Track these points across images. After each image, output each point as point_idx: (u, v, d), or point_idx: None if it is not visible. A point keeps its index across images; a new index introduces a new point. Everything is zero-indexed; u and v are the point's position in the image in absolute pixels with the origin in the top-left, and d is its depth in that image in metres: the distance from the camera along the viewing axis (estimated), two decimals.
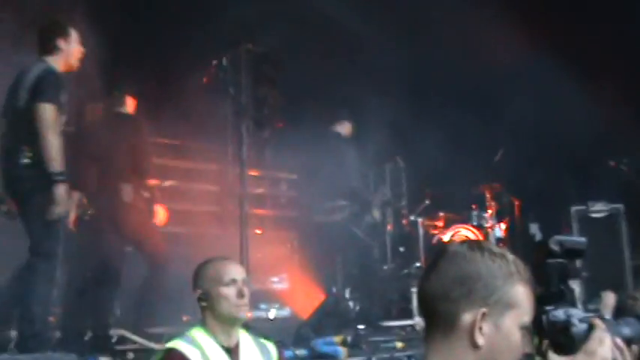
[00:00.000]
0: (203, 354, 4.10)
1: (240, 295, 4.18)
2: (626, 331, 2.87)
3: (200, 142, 12.32)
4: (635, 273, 11.76)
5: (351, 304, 11.41)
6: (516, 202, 13.33)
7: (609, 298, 8.51)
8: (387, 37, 12.26)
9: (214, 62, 7.51)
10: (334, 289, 9.13)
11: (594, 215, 12.55)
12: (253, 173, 13.53)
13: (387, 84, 11.95)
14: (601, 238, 12.17)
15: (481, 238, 12.20)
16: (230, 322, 4.21)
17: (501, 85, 11.94)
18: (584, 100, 11.39)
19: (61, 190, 5.97)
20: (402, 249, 12.41)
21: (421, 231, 12.32)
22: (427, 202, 12.88)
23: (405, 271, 11.97)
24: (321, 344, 6.63)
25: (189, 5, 12.00)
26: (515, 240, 13.22)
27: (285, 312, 11.16)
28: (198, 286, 4.25)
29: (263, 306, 11.55)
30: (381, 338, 8.13)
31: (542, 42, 11.80)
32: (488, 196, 12.90)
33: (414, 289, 10.74)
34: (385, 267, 12.48)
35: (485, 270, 2.33)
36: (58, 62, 6.43)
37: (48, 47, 6.46)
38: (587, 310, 8.81)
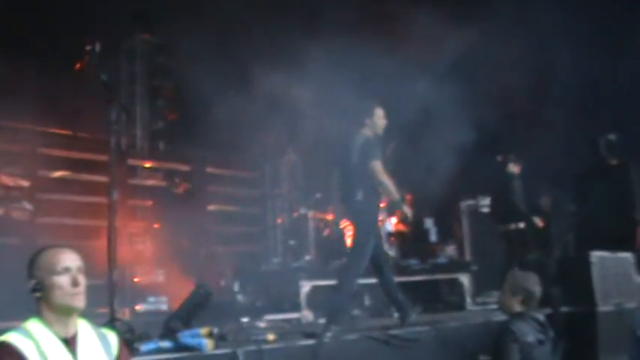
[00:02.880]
0: (38, 346, 3.95)
1: (75, 283, 4.05)
2: None
3: (90, 132, 12.15)
4: (521, 265, 11.92)
5: (239, 297, 11.42)
6: (408, 197, 13.34)
7: None
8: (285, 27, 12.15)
9: (87, 47, 7.25)
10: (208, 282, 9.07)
11: (484, 210, 12.73)
12: (147, 165, 13.46)
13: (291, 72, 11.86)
14: (491, 232, 12.35)
15: None
16: (65, 311, 4.06)
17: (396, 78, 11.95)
18: (473, 98, 11.52)
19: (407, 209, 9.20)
20: (292, 242, 12.38)
21: (311, 224, 12.31)
22: (318, 195, 12.85)
23: (295, 264, 11.93)
24: (186, 336, 6.53)
25: None
26: (408, 234, 13.27)
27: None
28: (31, 276, 4.11)
29: (151, 299, 11.47)
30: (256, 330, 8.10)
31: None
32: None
33: (303, 282, 10.73)
34: (275, 260, 12.47)
35: None
36: (368, 132, 9.07)
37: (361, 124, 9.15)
38: (475, 303, 8.92)
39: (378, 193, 9.01)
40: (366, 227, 8.91)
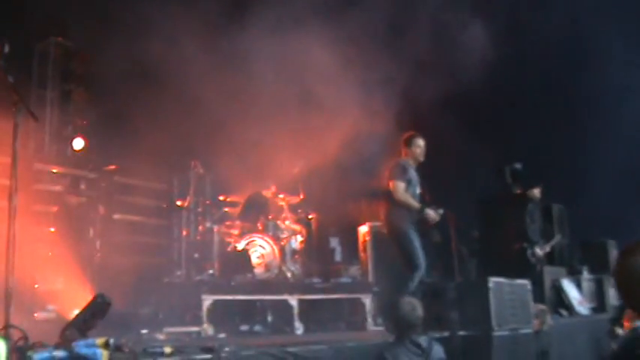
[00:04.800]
0: None
1: None
2: None
3: None
4: None
5: (141, 308, 11.33)
6: (314, 215, 13.45)
7: None
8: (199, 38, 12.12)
9: None
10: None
11: None
12: (55, 169, 13.24)
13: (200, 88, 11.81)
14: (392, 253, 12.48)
15: (276, 248, 12.25)
16: None
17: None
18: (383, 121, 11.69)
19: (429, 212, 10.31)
20: (196, 255, 12.34)
21: (216, 238, 12.28)
22: (225, 209, 12.85)
23: (198, 278, 11.90)
24: (81, 346, 6.47)
25: None
26: (312, 253, 13.34)
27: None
28: None
29: (50, 307, 11.27)
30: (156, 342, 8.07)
31: None
32: (286, 207, 12.92)
33: (205, 297, 10.71)
34: (178, 273, 12.41)
35: None
36: (405, 157, 10.59)
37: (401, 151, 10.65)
38: (376, 324, 8.98)
39: (404, 208, 10.27)
40: (401, 234, 10.29)
